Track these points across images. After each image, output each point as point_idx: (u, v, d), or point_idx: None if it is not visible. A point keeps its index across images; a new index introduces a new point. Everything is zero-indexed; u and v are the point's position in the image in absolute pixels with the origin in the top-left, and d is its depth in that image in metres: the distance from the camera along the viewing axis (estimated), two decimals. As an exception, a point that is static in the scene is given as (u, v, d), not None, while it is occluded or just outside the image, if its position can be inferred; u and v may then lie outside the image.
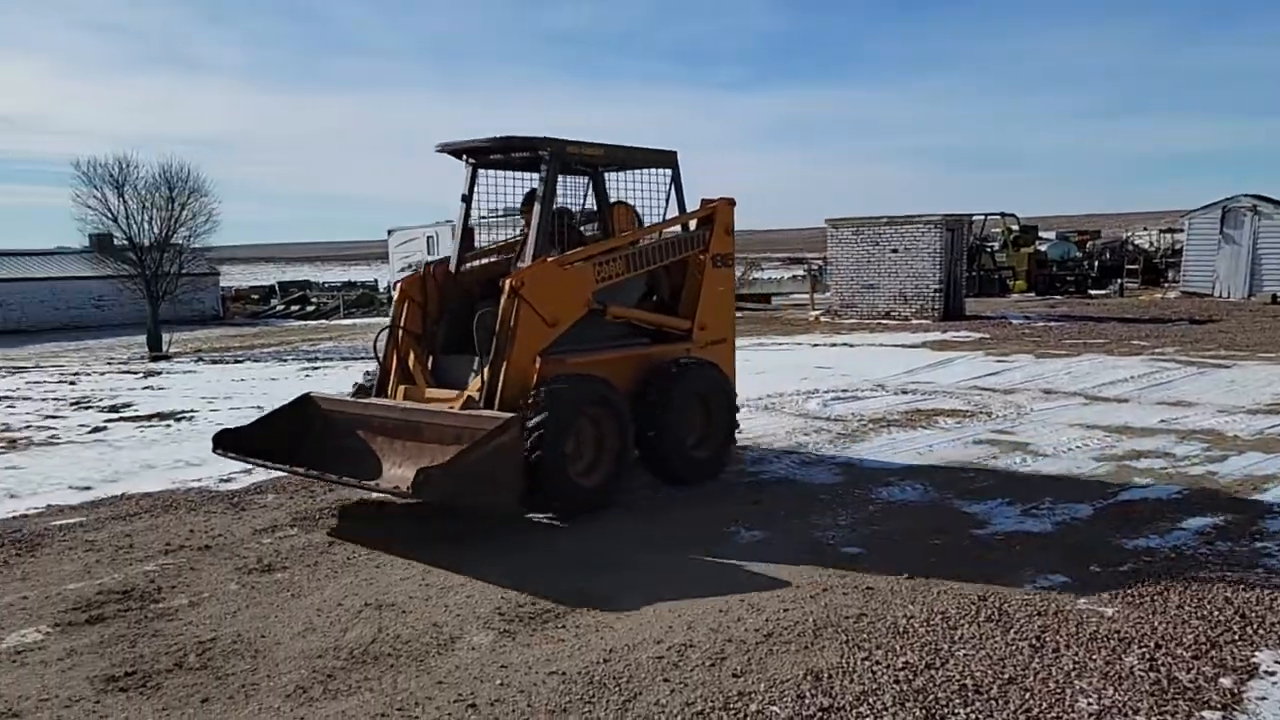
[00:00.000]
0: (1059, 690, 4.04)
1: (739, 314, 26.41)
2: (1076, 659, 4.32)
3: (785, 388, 12.29)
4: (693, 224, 8.06)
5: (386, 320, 7.57)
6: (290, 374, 16.16)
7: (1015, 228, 31.40)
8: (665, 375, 7.29)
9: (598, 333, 7.25)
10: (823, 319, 23.75)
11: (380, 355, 7.37)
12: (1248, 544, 5.90)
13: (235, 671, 4.36)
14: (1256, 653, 4.37)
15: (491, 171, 7.77)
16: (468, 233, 7.78)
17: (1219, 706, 3.89)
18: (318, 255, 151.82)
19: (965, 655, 4.38)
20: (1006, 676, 4.17)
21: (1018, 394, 11.54)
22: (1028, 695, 4.00)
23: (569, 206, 7.88)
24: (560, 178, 7.53)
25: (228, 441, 6.90)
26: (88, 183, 33.47)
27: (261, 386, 14.35)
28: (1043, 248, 32.10)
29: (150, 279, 32.73)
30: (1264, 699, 3.95)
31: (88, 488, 8.00)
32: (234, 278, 61.57)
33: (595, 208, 8.24)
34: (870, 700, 3.98)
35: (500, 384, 6.53)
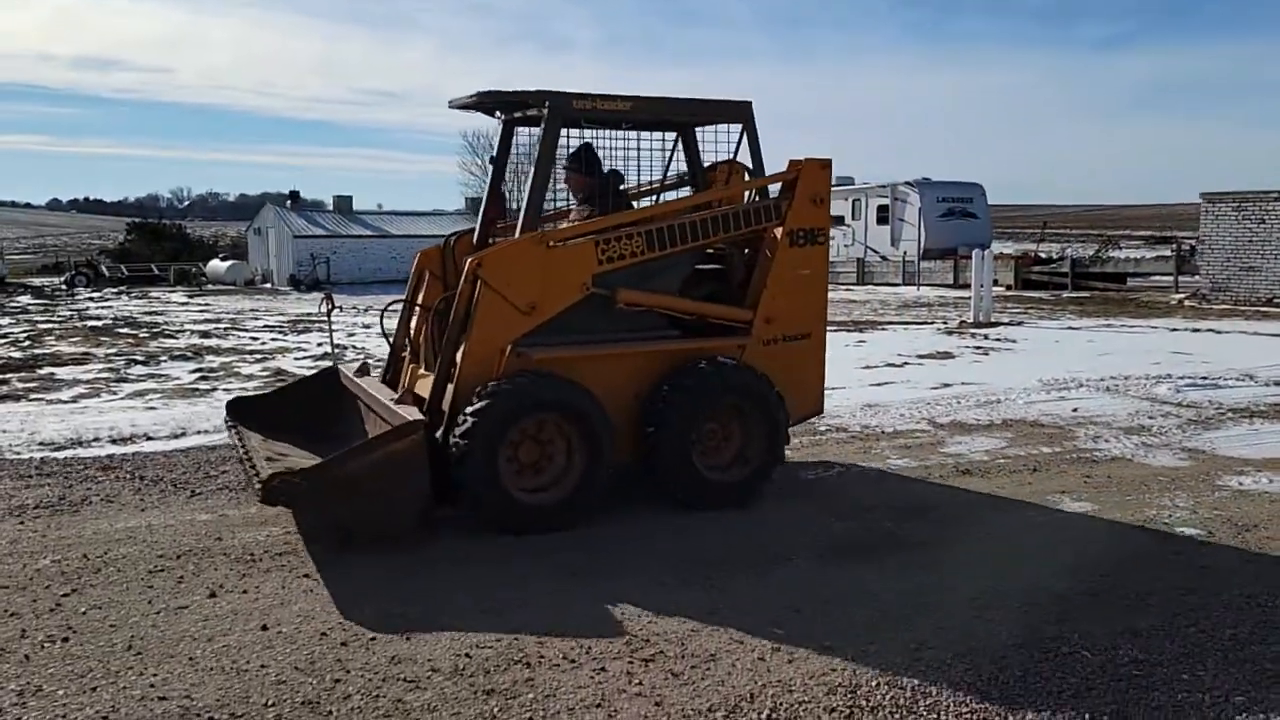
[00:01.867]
0: None
1: (1085, 294, 24.95)
2: None
3: (1132, 370, 11.57)
4: (774, 191, 6.56)
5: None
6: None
7: None
8: (677, 377, 5.98)
9: (611, 323, 5.99)
10: (1187, 303, 21.57)
11: (386, 332, 6.89)
12: None
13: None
14: None
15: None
16: (498, 198, 6.89)
17: None
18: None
19: (1306, 639, 4.25)
20: (1353, 665, 4.01)
21: None
22: (1375, 685, 3.85)
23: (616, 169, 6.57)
24: (649, 134, 6.58)
25: (238, 410, 6.66)
26: (472, 152, 37.96)
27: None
28: None
29: (514, 238, 36.51)
30: None
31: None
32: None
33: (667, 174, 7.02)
34: (1190, 661, 4.03)
35: (455, 377, 5.65)
